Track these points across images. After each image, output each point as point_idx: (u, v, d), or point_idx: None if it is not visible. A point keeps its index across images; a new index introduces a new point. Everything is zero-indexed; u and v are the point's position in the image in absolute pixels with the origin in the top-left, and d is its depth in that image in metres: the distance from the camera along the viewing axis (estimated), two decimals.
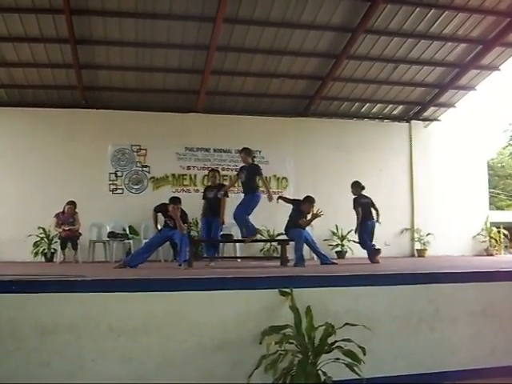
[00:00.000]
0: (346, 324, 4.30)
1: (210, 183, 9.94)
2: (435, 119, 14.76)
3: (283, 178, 13.41)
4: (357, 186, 10.40)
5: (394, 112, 14.53)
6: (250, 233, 8.67)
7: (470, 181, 14.55)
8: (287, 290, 4.51)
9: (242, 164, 9.29)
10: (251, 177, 8.96)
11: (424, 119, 14.67)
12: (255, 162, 9.32)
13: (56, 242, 11.16)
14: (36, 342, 4.09)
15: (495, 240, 14.44)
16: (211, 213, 9.44)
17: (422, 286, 5.09)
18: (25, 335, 4.09)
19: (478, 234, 14.41)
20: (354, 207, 10.16)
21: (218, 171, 9.96)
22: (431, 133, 14.61)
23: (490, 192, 15.47)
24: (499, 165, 32.65)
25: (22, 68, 11.83)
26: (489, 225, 14.61)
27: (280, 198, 9.96)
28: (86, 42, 11.22)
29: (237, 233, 11.24)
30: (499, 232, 14.59)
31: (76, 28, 10.65)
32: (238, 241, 9.30)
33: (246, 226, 8.72)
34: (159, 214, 8.70)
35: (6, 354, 4.04)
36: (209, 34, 11.01)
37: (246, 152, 9.13)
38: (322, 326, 4.30)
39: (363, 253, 12.57)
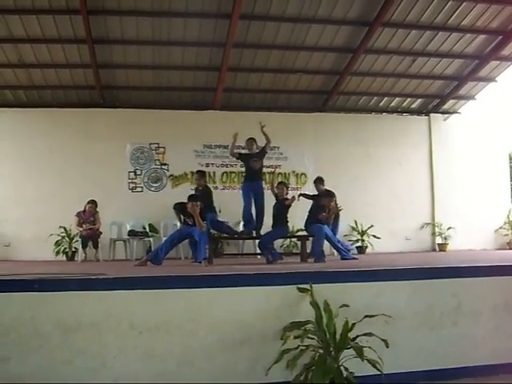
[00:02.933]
0: (366, 316, 4.28)
1: (247, 151, 9.87)
2: (455, 112, 14.59)
3: (302, 173, 13.36)
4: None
5: (413, 105, 14.39)
6: (275, 258, 8.64)
7: (491, 174, 14.36)
8: (307, 286, 4.50)
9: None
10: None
11: (443, 112, 14.50)
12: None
13: (77, 241, 11.24)
14: (58, 339, 4.14)
15: None
16: (256, 179, 9.57)
17: (444, 280, 5.06)
18: (47, 333, 4.14)
19: (500, 228, 14.21)
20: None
21: (255, 139, 9.84)
22: (451, 126, 14.44)
23: (511, 184, 15.24)
24: None
25: (41, 69, 11.92)
26: (511, 218, 14.42)
27: (300, 195, 10.05)
28: (103, 41, 11.29)
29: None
30: None
31: (93, 28, 10.72)
32: (258, 237, 9.30)
33: (270, 252, 8.71)
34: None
35: (30, 352, 4.09)
36: (225, 30, 11.00)
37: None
38: (339, 318, 4.30)
39: (384, 248, 12.62)
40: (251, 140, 9.76)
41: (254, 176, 9.58)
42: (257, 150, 9.73)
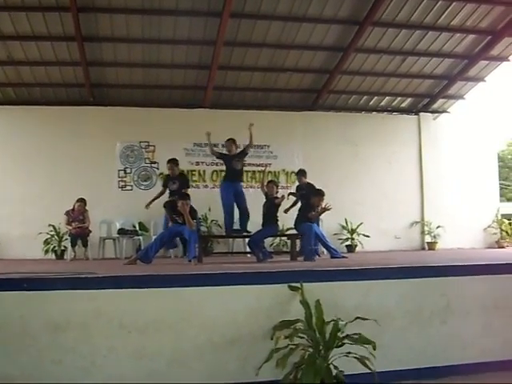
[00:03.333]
0: (358, 318, 4.29)
1: (227, 152, 9.80)
2: (444, 111, 14.65)
3: (292, 172, 13.31)
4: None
5: (403, 104, 14.44)
6: (265, 257, 8.68)
7: (480, 173, 14.44)
8: (297, 284, 4.51)
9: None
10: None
11: (433, 111, 14.56)
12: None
13: (66, 240, 11.20)
14: (48, 339, 4.12)
15: (506, 232, 14.33)
16: (237, 179, 9.61)
17: (433, 279, 5.08)
18: (36, 332, 4.12)
19: (488, 227, 14.30)
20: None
21: (235, 140, 9.78)
22: (440, 125, 14.50)
23: (500, 184, 15.35)
24: (510, 156, 32.33)
25: (30, 66, 11.85)
26: (500, 217, 14.52)
27: (290, 193, 10.04)
28: (93, 39, 11.24)
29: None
30: (510, 224, 14.45)
31: (83, 25, 10.66)
32: (248, 236, 9.32)
33: (261, 251, 8.75)
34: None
35: (19, 352, 4.07)
36: (215, 29, 10.98)
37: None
38: (332, 320, 4.30)
39: (373, 246, 12.67)
40: (231, 141, 9.72)
41: (235, 176, 9.58)
42: (237, 151, 9.72)
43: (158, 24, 11.03)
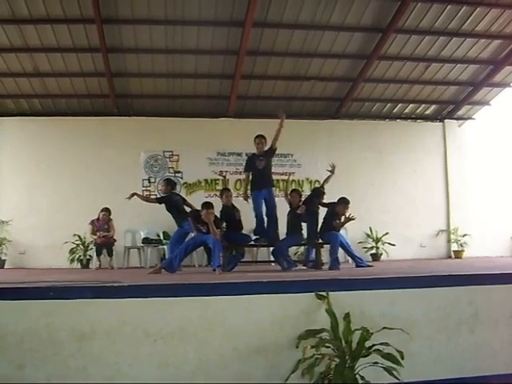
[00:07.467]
0: (384, 328, 4.24)
1: (256, 152, 8.99)
2: (469, 118, 14.47)
3: (316, 180, 13.27)
4: None
5: (427, 112, 14.31)
6: (290, 265, 8.61)
7: (506, 179, 14.22)
8: (323, 293, 4.47)
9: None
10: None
11: (458, 118, 14.39)
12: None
13: (91, 249, 11.31)
14: (73, 347, 4.14)
15: None
16: (264, 184, 8.78)
17: (461, 287, 5.00)
18: (62, 341, 4.14)
19: None
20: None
21: (265, 137, 9.00)
22: (466, 132, 14.34)
23: None
24: None
25: (55, 78, 12.01)
26: None
27: None
28: (117, 50, 11.37)
29: None
30: None
31: (107, 37, 10.80)
32: (273, 245, 9.27)
33: (285, 259, 8.65)
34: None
35: (44, 360, 4.09)
36: (238, 38, 11.03)
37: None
38: (358, 329, 4.26)
39: (399, 255, 12.53)
40: (260, 137, 9.00)
41: (260, 180, 8.84)
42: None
43: (181, 34, 11.11)
